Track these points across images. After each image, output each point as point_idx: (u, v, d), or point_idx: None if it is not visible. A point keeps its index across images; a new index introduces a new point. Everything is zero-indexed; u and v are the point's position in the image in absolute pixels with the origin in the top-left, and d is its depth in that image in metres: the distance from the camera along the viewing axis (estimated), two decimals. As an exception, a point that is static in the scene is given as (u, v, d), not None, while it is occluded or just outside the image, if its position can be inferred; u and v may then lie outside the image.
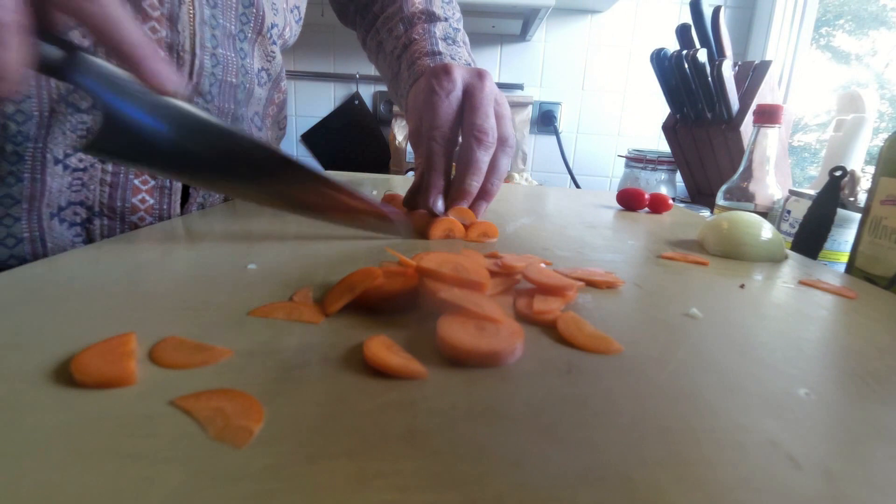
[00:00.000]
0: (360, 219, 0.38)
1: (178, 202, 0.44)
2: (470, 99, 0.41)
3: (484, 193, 0.42)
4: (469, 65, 0.51)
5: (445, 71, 0.41)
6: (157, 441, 0.13)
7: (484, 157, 0.40)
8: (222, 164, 0.33)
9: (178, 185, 0.44)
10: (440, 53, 0.52)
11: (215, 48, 0.44)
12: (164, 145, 0.31)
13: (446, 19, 0.57)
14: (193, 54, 0.42)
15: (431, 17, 0.56)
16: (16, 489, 0.12)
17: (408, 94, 0.50)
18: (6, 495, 0.11)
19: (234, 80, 0.47)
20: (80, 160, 0.38)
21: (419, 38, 0.54)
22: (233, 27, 0.46)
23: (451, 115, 0.41)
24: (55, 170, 0.37)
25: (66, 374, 0.16)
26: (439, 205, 0.41)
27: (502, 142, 0.42)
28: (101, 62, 0.28)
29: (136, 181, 0.41)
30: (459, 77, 0.41)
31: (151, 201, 0.42)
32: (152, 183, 0.42)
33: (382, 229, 0.39)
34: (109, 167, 0.40)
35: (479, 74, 0.42)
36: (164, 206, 0.43)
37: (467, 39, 0.59)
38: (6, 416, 0.14)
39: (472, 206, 0.42)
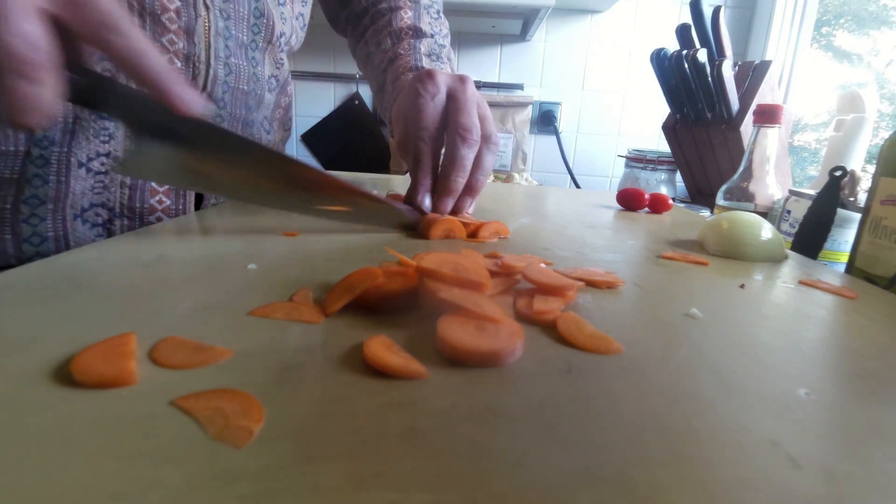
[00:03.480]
0: (372, 215, 0.40)
1: (193, 202, 0.46)
2: (453, 101, 0.43)
3: (469, 189, 0.43)
4: None
5: (429, 76, 0.43)
6: (157, 441, 0.13)
7: (468, 155, 0.42)
8: (243, 174, 0.35)
9: None
10: (423, 69, 0.54)
11: (228, 58, 0.46)
12: (186, 162, 0.33)
13: (433, 35, 0.60)
14: (208, 64, 0.44)
15: (418, 34, 0.59)
16: (16, 489, 0.12)
17: (391, 108, 0.52)
18: (6, 495, 0.11)
19: (245, 87, 0.49)
20: (102, 164, 0.40)
21: (404, 54, 0.56)
22: (245, 37, 0.48)
23: (436, 116, 0.43)
24: (79, 173, 0.39)
25: (66, 374, 0.16)
26: (426, 202, 0.42)
27: (486, 139, 0.43)
28: (126, 88, 0.30)
29: (152, 183, 0.43)
30: (443, 81, 0.43)
31: (168, 202, 0.44)
32: (168, 185, 0.44)
33: (388, 220, 0.41)
34: None
35: (461, 79, 0.44)
36: (180, 207, 0.45)
37: (453, 56, 0.62)
38: (6, 416, 0.14)
39: (458, 202, 0.43)
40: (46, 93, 0.25)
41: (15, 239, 0.38)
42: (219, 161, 0.34)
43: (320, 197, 0.38)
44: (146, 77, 0.29)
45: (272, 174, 0.36)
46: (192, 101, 0.30)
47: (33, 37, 0.24)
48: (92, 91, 0.29)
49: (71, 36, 0.27)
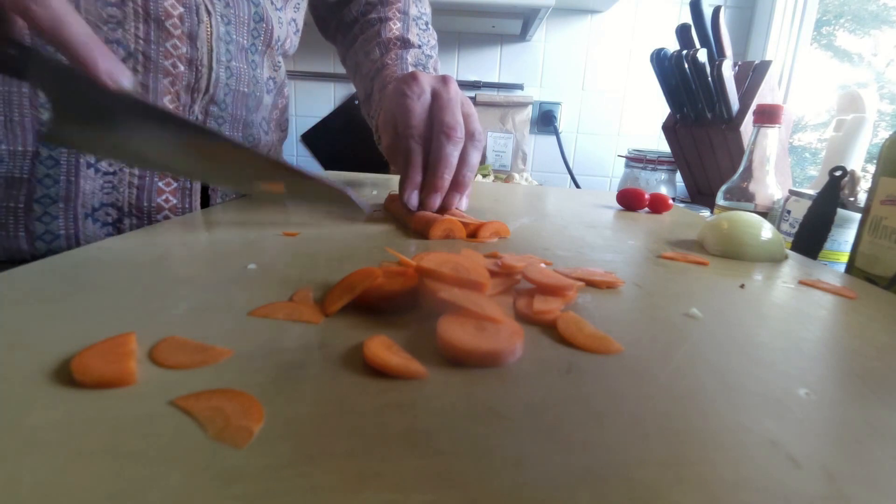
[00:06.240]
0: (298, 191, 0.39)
1: (199, 201, 0.47)
2: (437, 100, 0.44)
3: (457, 185, 0.44)
4: None
5: (413, 77, 0.45)
6: (157, 441, 0.13)
7: (453, 152, 0.43)
8: (165, 146, 0.34)
9: (197, 186, 0.47)
10: None
11: (230, 61, 0.47)
12: (112, 132, 0.32)
13: (420, 46, 0.61)
14: (210, 68, 0.45)
15: (406, 44, 0.60)
16: (16, 489, 0.12)
17: (378, 116, 0.54)
18: (6, 495, 0.11)
19: (245, 89, 0.51)
20: (110, 164, 0.42)
21: (391, 64, 0.58)
22: (245, 41, 0.49)
23: (422, 115, 0.44)
24: (87, 173, 0.41)
25: (66, 374, 0.16)
26: (413, 199, 0.43)
27: (470, 136, 0.44)
28: (53, 60, 0.29)
29: (159, 183, 0.44)
30: (426, 82, 0.45)
31: (174, 201, 0.45)
32: (175, 185, 0.45)
33: (336, 203, 0.41)
34: (136, 171, 0.43)
35: (444, 80, 0.45)
36: (186, 205, 0.46)
37: (439, 66, 0.64)
38: (6, 415, 0.14)
39: (447, 198, 0.44)
40: None
41: (28, 236, 0.39)
42: (143, 135, 0.33)
43: (254, 174, 0.37)
44: (68, 47, 0.28)
45: (201, 151, 0.35)
46: (118, 74, 0.29)
47: None
48: (8, 59, 0.28)
49: None
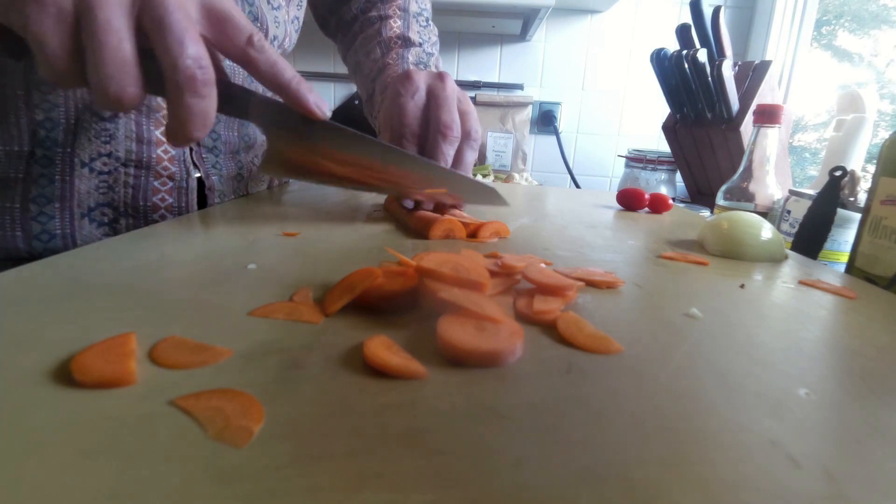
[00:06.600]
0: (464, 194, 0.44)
1: (195, 200, 0.47)
2: (434, 99, 0.44)
3: None
4: None
5: (408, 76, 0.45)
6: (157, 441, 0.13)
7: (448, 151, 0.43)
8: (366, 169, 0.39)
9: (193, 185, 0.46)
10: None
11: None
12: (317, 160, 0.38)
13: (421, 45, 0.61)
14: None
15: (407, 43, 0.60)
16: (16, 489, 0.12)
17: (379, 116, 0.53)
18: (6, 495, 0.11)
19: None
20: (105, 164, 0.42)
21: (393, 63, 0.58)
22: None
23: (417, 114, 0.44)
24: (82, 172, 0.41)
25: (66, 374, 0.16)
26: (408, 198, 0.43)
27: (466, 136, 0.44)
28: (261, 97, 0.35)
29: (155, 182, 0.44)
30: (422, 80, 0.45)
31: (170, 200, 0.45)
32: (171, 184, 0.45)
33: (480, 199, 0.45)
34: (132, 170, 0.43)
35: (440, 76, 0.45)
36: (183, 205, 0.46)
37: (440, 64, 0.64)
38: (6, 415, 0.14)
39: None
40: (211, 106, 0.29)
41: (25, 236, 0.39)
42: (345, 157, 0.38)
43: (425, 182, 0.41)
44: (284, 87, 0.33)
45: (391, 168, 0.39)
46: (322, 109, 0.35)
47: (202, 58, 0.28)
48: (234, 101, 0.34)
49: (218, 54, 0.31)
